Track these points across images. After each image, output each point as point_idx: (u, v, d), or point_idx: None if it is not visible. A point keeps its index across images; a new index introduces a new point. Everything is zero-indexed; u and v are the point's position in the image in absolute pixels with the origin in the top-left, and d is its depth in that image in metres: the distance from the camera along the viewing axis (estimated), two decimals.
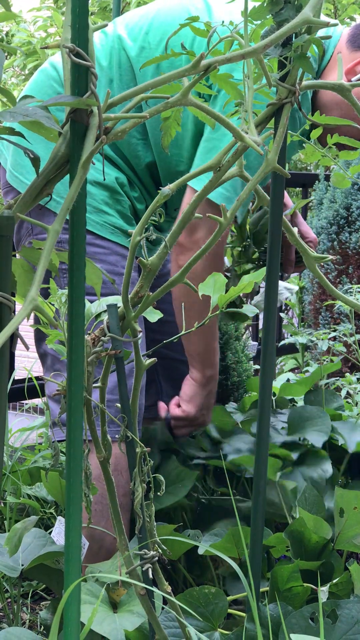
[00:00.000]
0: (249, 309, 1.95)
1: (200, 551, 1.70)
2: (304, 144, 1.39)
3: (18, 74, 7.10)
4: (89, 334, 1.17)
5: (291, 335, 2.82)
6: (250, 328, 3.95)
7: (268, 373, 1.27)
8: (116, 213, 1.95)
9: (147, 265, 1.09)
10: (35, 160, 0.87)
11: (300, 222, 2.24)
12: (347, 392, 2.67)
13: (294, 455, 2.01)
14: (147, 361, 1.18)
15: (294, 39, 1.09)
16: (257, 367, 2.65)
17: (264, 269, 1.30)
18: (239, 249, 2.23)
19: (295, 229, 1.19)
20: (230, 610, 1.52)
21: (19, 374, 2.96)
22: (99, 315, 1.30)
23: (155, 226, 2.08)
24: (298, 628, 1.29)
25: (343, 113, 1.94)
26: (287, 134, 1.14)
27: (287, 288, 2.28)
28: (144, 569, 1.21)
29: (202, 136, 1.91)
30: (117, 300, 1.23)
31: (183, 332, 1.50)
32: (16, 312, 0.82)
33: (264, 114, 1.12)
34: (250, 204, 2.22)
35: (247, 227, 2.23)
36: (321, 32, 1.12)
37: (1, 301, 0.87)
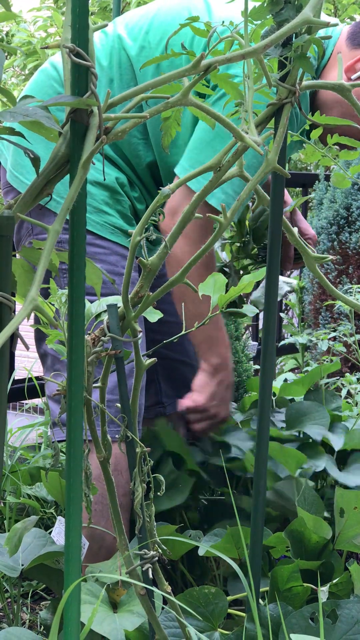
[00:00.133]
0: (249, 309, 1.95)
1: (201, 552, 1.70)
2: (304, 144, 1.38)
3: (18, 74, 7.10)
4: (89, 334, 1.17)
5: (291, 335, 2.82)
6: (250, 328, 3.95)
7: (268, 373, 1.27)
8: (116, 213, 1.95)
9: (147, 265, 1.09)
10: (36, 160, 0.87)
11: (300, 220, 2.24)
12: (348, 391, 2.67)
13: (293, 445, 2.01)
14: (147, 361, 1.18)
15: (294, 39, 1.09)
16: (257, 367, 2.65)
17: (264, 268, 1.30)
18: (238, 244, 2.23)
19: (295, 229, 1.19)
20: (230, 610, 1.52)
21: (19, 374, 2.97)
22: (99, 315, 1.30)
23: (155, 226, 2.08)
24: (298, 628, 1.29)
25: (344, 110, 1.94)
26: (287, 134, 1.14)
27: (287, 282, 2.28)
28: (144, 569, 1.21)
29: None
30: (117, 300, 1.23)
31: (183, 332, 1.50)
32: (16, 312, 0.82)
33: (264, 114, 1.12)
34: (251, 203, 2.22)
35: (247, 223, 2.23)
36: (321, 32, 1.12)
37: (1, 301, 0.87)
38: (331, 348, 2.68)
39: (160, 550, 1.22)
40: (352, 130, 1.47)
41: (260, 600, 1.40)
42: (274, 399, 2.33)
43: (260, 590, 1.44)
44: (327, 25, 1.03)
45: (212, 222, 1.94)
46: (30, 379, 2.78)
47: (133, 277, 1.71)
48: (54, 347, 1.35)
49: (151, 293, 1.12)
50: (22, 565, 1.76)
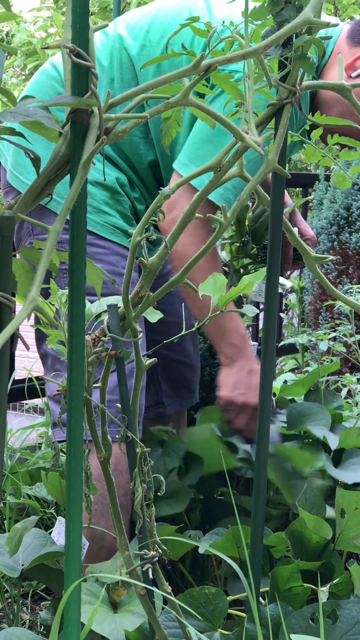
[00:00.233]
0: (249, 309, 1.95)
1: (201, 550, 1.70)
2: (304, 144, 1.38)
3: (18, 74, 7.10)
4: (90, 334, 1.17)
5: (291, 336, 2.82)
6: (250, 328, 3.95)
7: (268, 373, 1.27)
8: (116, 213, 1.95)
9: (148, 266, 1.09)
10: (36, 161, 0.87)
11: (299, 220, 2.24)
12: (348, 391, 2.67)
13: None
14: (148, 361, 1.18)
15: (294, 39, 1.09)
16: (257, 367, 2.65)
17: (264, 268, 1.30)
18: (238, 244, 2.23)
19: (295, 229, 1.19)
20: (230, 611, 1.52)
21: (19, 374, 2.96)
22: (99, 315, 1.30)
23: (155, 226, 2.08)
24: (298, 628, 1.29)
25: (343, 109, 1.94)
26: (287, 134, 1.14)
27: (280, 284, 2.28)
28: (144, 569, 1.21)
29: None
30: (117, 300, 1.23)
31: (183, 333, 1.50)
32: (17, 312, 0.82)
33: (264, 115, 1.12)
34: (251, 203, 2.22)
35: (246, 223, 2.23)
36: (322, 32, 1.12)
37: (2, 301, 0.87)
38: (331, 348, 2.68)
39: (160, 551, 1.22)
40: (352, 129, 1.47)
41: (261, 600, 1.40)
42: (274, 399, 2.33)
43: (261, 590, 1.44)
44: (327, 25, 1.03)
45: (209, 223, 1.94)
46: (30, 379, 2.78)
47: (133, 277, 1.71)
48: (54, 348, 1.35)
49: (151, 293, 1.12)
50: (22, 565, 1.76)
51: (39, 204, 0.92)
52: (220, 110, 1.03)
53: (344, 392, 2.65)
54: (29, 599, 2.28)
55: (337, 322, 2.99)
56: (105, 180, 1.93)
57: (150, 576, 1.21)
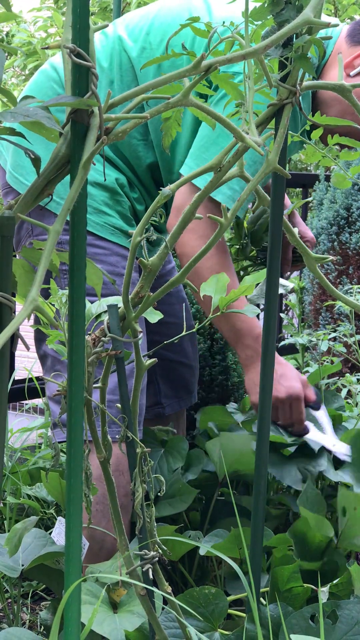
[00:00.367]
0: (249, 309, 1.95)
1: (202, 552, 1.70)
2: (304, 144, 1.39)
3: (18, 74, 7.10)
4: (90, 334, 1.17)
5: (291, 336, 2.82)
6: None
7: (268, 373, 1.27)
8: (116, 214, 1.95)
9: (148, 266, 1.09)
10: (36, 161, 0.87)
11: (298, 222, 2.24)
12: (348, 391, 2.67)
13: (292, 449, 2.01)
14: (148, 362, 1.18)
15: (294, 39, 1.09)
16: None
17: (264, 270, 1.31)
18: (237, 246, 2.23)
19: (295, 229, 1.19)
20: (230, 611, 1.52)
21: (19, 374, 2.96)
22: (99, 315, 1.30)
23: (154, 227, 2.08)
24: (298, 628, 1.29)
25: (343, 108, 1.95)
26: (287, 135, 1.14)
27: (282, 285, 2.28)
28: (144, 569, 1.21)
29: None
30: (117, 300, 1.23)
31: (183, 334, 1.50)
32: (17, 313, 0.82)
33: (264, 115, 1.12)
34: (250, 204, 2.22)
35: (245, 225, 2.23)
36: (322, 33, 1.12)
37: (2, 301, 0.87)
38: (331, 348, 2.68)
39: (160, 551, 1.22)
40: (352, 129, 1.47)
41: (261, 600, 1.40)
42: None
43: (261, 590, 1.44)
44: (328, 25, 1.03)
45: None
46: (30, 379, 2.78)
47: (133, 277, 1.71)
48: (54, 348, 1.35)
49: (151, 294, 1.12)
50: (22, 565, 1.76)
51: (38, 204, 0.92)
52: (222, 113, 1.03)
53: (344, 393, 2.64)
54: (29, 599, 2.28)
55: (338, 322, 2.99)
56: (105, 180, 1.93)
57: (150, 576, 1.21)
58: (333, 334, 2.62)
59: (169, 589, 1.22)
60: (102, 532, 1.81)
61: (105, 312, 1.25)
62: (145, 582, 1.21)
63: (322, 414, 2.05)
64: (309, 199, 3.34)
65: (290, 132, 1.22)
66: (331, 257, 1.14)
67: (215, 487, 2.04)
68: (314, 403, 2.02)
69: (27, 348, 0.89)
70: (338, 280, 3.69)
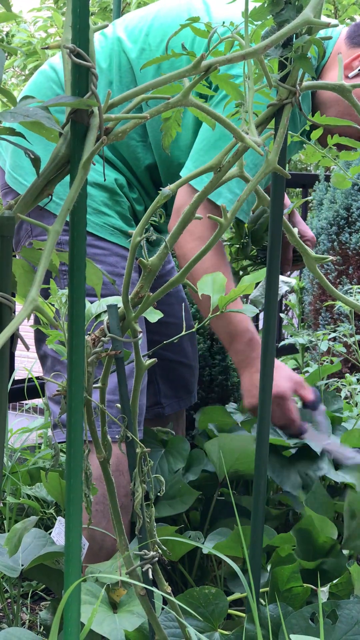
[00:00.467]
0: (249, 309, 1.95)
1: (205, 551, 1.70)
2: (304, 145, 1.39)
3: (18, 74, 7.10)
4: (89, 334, 1.17)
5: (291, 336, 2.82)
6: None
7: (268, 373, 1.27)
8: (115, 214, 1.95)
9: (148, 266, 1.09)
10: (36, 161, 0.87)
11: (298, 221, 2.24)
12: (348, 391, 2.67)
13: (293, 450, 2.01)
14: (148, 362, 1.18)
15: (294, 39, 1.09)
16: None
17: (264, 268, 1.30)
18: (237, 246, 2.23)
19: (295, 229, 1.19)
20: (230, 611, 1.52)
21: (19, 374, 2.96)
22: (99, 315, 1.30)
23: (154, 227, 2.08)
24: (298, 628, 1.29)
25: (342, 109, 1.95)
26: (287, 135, 1.14)
27: (285, 282, 2.27)
28: (144, 569, 1.21)
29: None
30: (117, 300, 1.23)
31: (182, 334, 1.50)
32: (16, 313, 0.82)
33: (264, 115, 1.12)
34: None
35: (245, 225, 2.23)
36: (321, 33, 1.12)
37: (2, 301, 0.87)
38: (331, 349, 2.68)
39: (160, 551, 1.22)
40: (351, 130, 1.47)
41: (261, 600, 1.40)
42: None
43: (261, 590, 1.44)
44: (327, 25, 1.03)
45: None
46: (30, 379, 2.78)
47: (133, 277, 1.71)
48: (54, 348, 1.35)
49: (151, 294, 1.12)
50: (22, 565, 1.76)
51: (37, 205, 0.92)
52: (223, 113, 1.03)
53: (343, 393, 2.64)
54: (29, 599, 2.28)
55: (338, 322, 2.99)
56: (104, 181, 1.93)
57: (150, 576, 1.21)
58: (333, 334, 2.62)
59: (169, 589, 1.22)
60: (101, 532, 1.81)
61: (105, 312, 1.25)
62: (145, 582, 1.21)
63: (320, 415, 2.04)
64: (309, 198, 3.35)
65: (289, 132, 1.22)
66: (331, 257, 1.14)
67: (215, 487, 2.04)
68: (311, 403, 2.01)
69: (27, 348, 0.89)
70: (338, 280, 3.69)
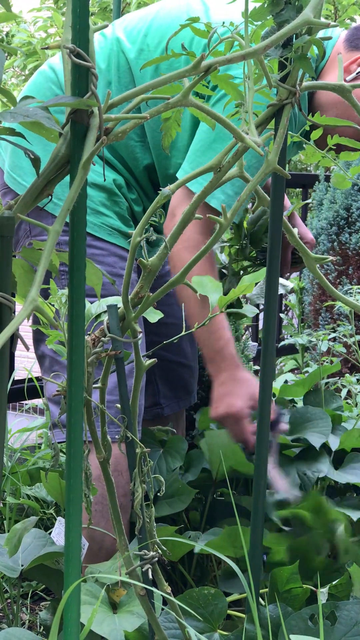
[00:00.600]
0: (248, 309, 1.95)
1: (196, 550, 1.69)
2: (304, 145, 1.39)
3: (18, 74, 7.10)
4: (89, 334, 1.17)
5: (291, 336, 2.82)
6: (250, 329, 3.96)
7: (268, 373, 1.27)
8: (114, 215, 1.95)
9: (148, 266, 1.09)
10: (36, 161, 0.87)
11: (299, 224, 2.25)
12: (348, 391, 2.67)
13: (296, 450, 2.01)
14: (147, 362, 1.18)
15: (294, 39, 1.09)
16: (257, 367, 2.65)
17: (264, 269, 1.31)
18: (237, 247, 2.23)
19: (294, 229, 1.19)
20: (229, 612, 1.52)
21: (19, 374, 2.96)
22: (99, 316, 1.30)
23: (154, 227, 2.08)
24: (297, 629, 1.29)
25: (339, 113, 1.95)
26: (287, 135, 1.14)
27: (282, 285, 2.28)
28: (143, 569, 1.21)
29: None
30: (117, 300, 1.23)
31: (182, 334, 1.50)
32: (16, 313, 0.82)
33: (264, 115, 1.12)
34: (250, 204, 2.22)
35: (245, 226, 2.23)
36: (321, 33, 1.12)
37: (1, 302, 0.87)
38: (331, 349, 2.68)
39: (160, 551, 1.22)
40: (349, 131, 1.47)
41: (260, 601, 1.40)
42: (274, 399, 2.33)
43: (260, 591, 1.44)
44: (327, 26, 1.03)
45: (212, 224, 1.93)
46: (30, 379, 2.78)
47: (132, 278, 1.71)
48: (53, 348, 1.35)
49: (151, 294, 1.12)
50: (22, 565, 1.76)
51: (37, 205, 0.92)
52: (223, 113, 1.03)
53: (343, 393, 2.65)
54: (29, 599, 2.28)
55: (338, 322, 2.99)
56: (104, 181, 1.93)
57: (150, 577, 1.21)
58: (333, 334, 2.62)
59: (169, 589, 1.22)
60: (101, 532, 1.81)
61: (104, 312, 1.25)
62: (144, 582, 1.21)
63: (274, 437, 1.94)
64: (309, 201, 3.35)
65: (289, 132, 1.22)
66: (331, 258, 1.14)
67: (211, 485, 2.05)
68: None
69: (27, 348, 0.89)
70: (338, 280, 3.69)
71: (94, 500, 1.79)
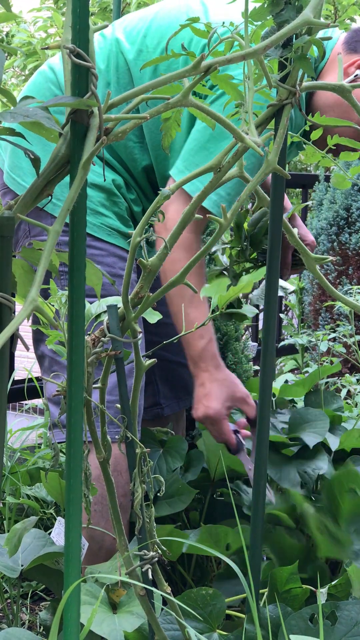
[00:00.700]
0: (248, 309, 1.95)
1: (184, 549, 1.69)
2: (304, 145, 1.39)
3: (18, 74, 7.10)
4: (89, 334, 1.17)
5: (291, 336, 2.82)
6: (250, 329, 3.96)
7: (268, 373, 1.27)
8: (113, 215, 1.95)
9: (147, 266, 1.09)
10: (36, 161, 0.87)
11: (299, 225, 2.25)
12: (348, 391, 2.67)
13: (294, 449, 2.01)
14: (147, 362, 1.18)
15: (294, 40, 1.09)
16: (257, 367, 2.66)
17: (264, 268, 1.30)
18: (238, 248, 2.23)
19: (294, 229, 1.19)
20: (229, 612, 1.52)
21: (19, 374, 2.96)
22: (98, 316, 1.30)
23: (153, 228, 2.08)
24: (297, 629, 1.29)
25: (338, 115, 1.95)
26: (287, 135, 1.14)
27: (282, 287, 2.27)
28: (143, 569, 1.21)
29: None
30: (117, 301, 1.23)
31: (182, 334, 1.50)
32: (16, 313, 0.82)
33: (264, 115, 1.12)
34: (250, 204, 2.22)
35: (245, 227, 2.23)
36: (320, 34, 1.12)
37: (1, 302, 0.87)
38: (331, 349, 2.68)
39: (159, 551, 1.22)
40: (348, 131, 1.47)
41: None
42: (273, 399, 2.33)
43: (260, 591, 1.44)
44: (327, 26, 1.03)
45: (202, 223, 1.93)
46: (30, 380, 2.78)
47: (132, 278, 1.71)
48: (53, 348, 1.35)
49: (151, 294, 1.12)
50: (22, 565, 1.76)
51: (36, 205, 0.92)
52: (221, 112, 1.03)
53: (343, 393, 2.65)
54: (29, 599, 2.28)
55: (338, 322, 2.99)
56: (104, 181, 1.93)
57: (150, 577, 1.21)
58: (332, 335, 2.62)
59: (169, 590, 1.22)
60: (101, 532, 1.81)
61: (104, 312, 1.25)
62: (144, 582, 1.21)
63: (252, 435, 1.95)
64: (309, 203, 3.35)
65: (289, 132, 1.22)
66: (331, 258, 1.14)
67: (209, 485, 2.05)
68: (253, 419, 1.93)
69: (27, 348, 0.89)
70: (338, 280, 3.69)
71: (93, 500, 1.79)
